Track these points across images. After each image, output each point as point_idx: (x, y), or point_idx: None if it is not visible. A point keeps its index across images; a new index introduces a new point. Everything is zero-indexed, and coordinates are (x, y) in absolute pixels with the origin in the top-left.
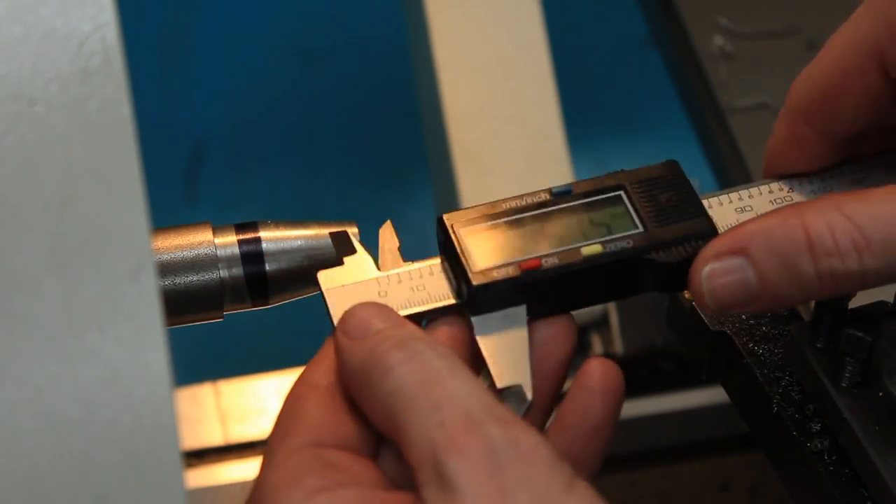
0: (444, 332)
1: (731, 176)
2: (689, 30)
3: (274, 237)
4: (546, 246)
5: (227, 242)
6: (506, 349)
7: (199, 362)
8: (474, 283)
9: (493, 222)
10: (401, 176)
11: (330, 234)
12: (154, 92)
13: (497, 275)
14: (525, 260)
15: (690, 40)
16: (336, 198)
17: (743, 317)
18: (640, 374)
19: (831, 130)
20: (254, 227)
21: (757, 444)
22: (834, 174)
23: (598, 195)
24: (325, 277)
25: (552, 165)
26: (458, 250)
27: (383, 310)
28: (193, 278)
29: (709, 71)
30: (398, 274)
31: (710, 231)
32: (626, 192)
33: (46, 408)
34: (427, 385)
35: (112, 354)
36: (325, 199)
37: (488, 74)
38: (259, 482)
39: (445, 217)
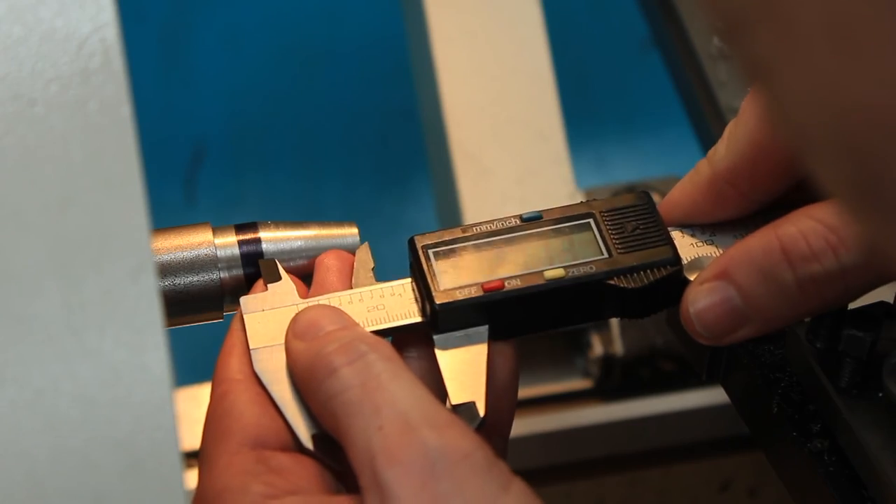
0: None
1: None
2: (689, 30)
3: (274, 238)
4: (511, 269)
5: (227, 243)
6: (464, 365)
7: (199, 362)
8: (437, 301)
9: (462, 245)
10: (401, 176)
11: (259, 261)
12: (154, 92)
13: (460, 294)
14: (488, 281)
15: (690, 40)
16: (336, 198)
17: None
18: (640, 374)
19: (755, 193)
20: (254, 227)
21: (757, 444)
22: (724, 225)
23: (567, 222)
24: (247, 302)
25: (552, 165)
26: (425, 271)
27: (334, 312)
28: (193, 279)
29: (709, 71)
30: (350, 295)
31: (674, 259)
32: (595, 220)
33: (46, 408)
34: (368, 388)
35: (112, 355)
36: (325, 199)
37: (488, 74)
38: (202, 488)
39: (416, 238)
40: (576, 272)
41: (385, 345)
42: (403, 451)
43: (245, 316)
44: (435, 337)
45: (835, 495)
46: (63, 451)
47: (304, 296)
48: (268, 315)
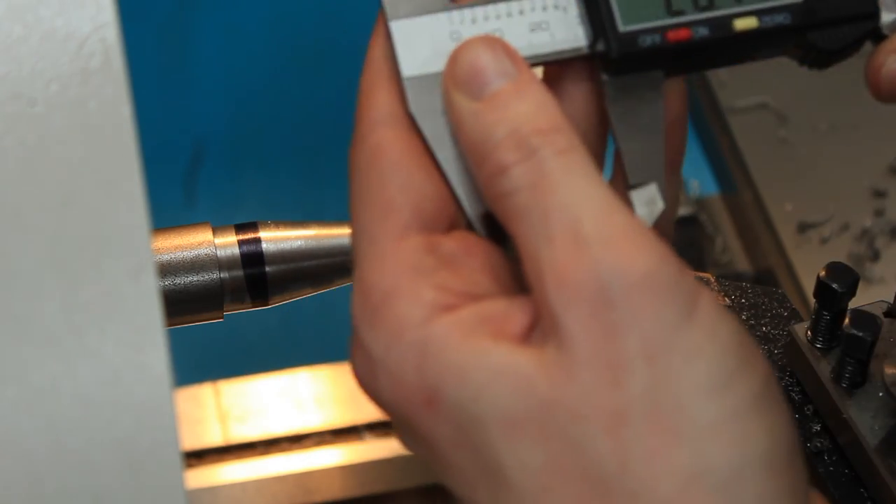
0: (576, 96)
1: (732, 176)
2: None
3: (274, 238)
4: (693, 7)
5: (227, 243)
6: (640, 131)
7: (199, 362)
8: (616, 51)
9: None
10: None
11: None
12: (154, 92)
13: (642, 42)
14: (674, 28)
15: None
16: (336, 198)
17: (743, 316)
18: None
19: None
20: (254, 227)
21: None
22: None
23: None
24: (393, 2)
25: None
26: None
27: (496, 53)
28: (193, 279)
29: (709, 71)
30: (507, 3)
31: (874, 10)
32: None
33: (46, 408)
34: (539, 190)
35: (112, 355)
36: (325, 199)
37: None
38: (365, 280)
39: None
40: (768, 22)
41: (562, 133)
42: (573, 271)
43: (391, 24)
44: (607, 82)
45: (835, 495)
46: (63, 451)
47: None
48: (418, 27)
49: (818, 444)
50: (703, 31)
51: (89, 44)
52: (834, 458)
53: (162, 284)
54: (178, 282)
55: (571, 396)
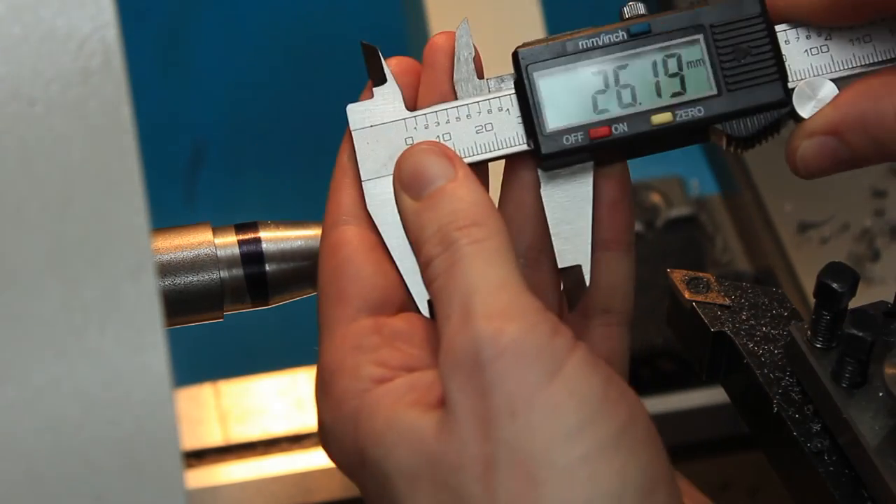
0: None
1: (732, 176)
2: None
3: (274, 237)
4: (617, 104)
5: (227, 243)
6: (570, 218)
7: (199, 362)
8: (544, 150)
9: (568, 66)
10: None
11: (361, 43)
12: (154, 92)
13: (567, 142)
14: (595, 126)
15: None
16: None
17: (743, 316)
18: (640, 374)
19: (886, 7)
20: (254, 227)
21: (757, 444)
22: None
23: (676, 38)
24: (354, 113)
25: None
26: (531, 100)
27: (439, 158)
28: (193, 278)
29: None
30: (457, 109)
31: (785, 99)
32: (706, 38)
33: (46, 408)
34: (449, 276)
35: (112, 355)
36: (325, 199)
37: (488, 75)
38: (321, 360)
39: (521, 52)
40: (683, 116)
41: (481, 226)
42: (457, 342)
43: (353, 133)
44: (540, 173)
45: (835, 495)
46: (63, 451)
47: (411, 100)
48: (376, 134)
49: (818, 444)
50: (622, 128)
51: (89, 44)
52: (834, 458)
53: (162, 284)
54: (178, 282)
55: (452, 450)
